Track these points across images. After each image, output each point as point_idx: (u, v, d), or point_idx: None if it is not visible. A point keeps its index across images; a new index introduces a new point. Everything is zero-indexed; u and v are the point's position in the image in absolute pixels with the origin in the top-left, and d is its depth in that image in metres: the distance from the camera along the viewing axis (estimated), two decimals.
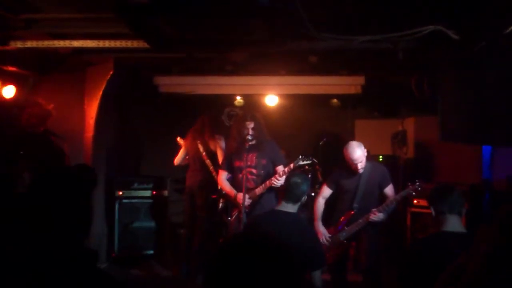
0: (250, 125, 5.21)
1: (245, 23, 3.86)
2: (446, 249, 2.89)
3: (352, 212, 4.99)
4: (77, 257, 1.98)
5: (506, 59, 4.07)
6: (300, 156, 5.10)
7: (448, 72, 4.62)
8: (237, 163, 5.30)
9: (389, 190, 5.07)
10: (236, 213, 5.27)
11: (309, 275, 3.68)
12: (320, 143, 7.42)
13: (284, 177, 4.91)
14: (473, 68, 4.29)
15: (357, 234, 5.00)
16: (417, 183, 4.89)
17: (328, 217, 5.21)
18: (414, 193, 4.98)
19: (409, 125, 6.99)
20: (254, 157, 5.23)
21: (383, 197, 5.07)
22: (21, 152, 5.17)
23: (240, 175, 5.22)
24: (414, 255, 3.09)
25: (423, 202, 6.06)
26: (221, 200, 6.10)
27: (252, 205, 5.17)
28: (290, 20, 3.87)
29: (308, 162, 5.18)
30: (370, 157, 5.23)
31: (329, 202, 5.24)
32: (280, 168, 5.22)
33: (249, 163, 5.18)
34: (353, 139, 7.80)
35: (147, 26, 3.69)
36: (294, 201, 3.80)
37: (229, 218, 5.45)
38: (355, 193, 5.01)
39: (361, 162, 4.91)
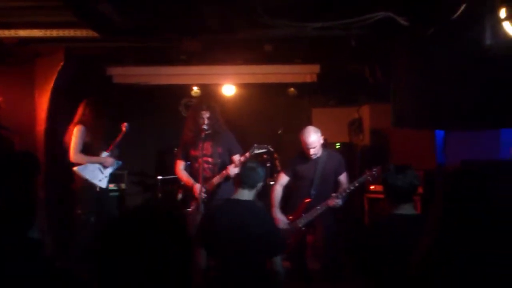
0: (206, 114, 5.18)
1: (197, 10, 3.82)
2: (399, 231, 2.93)
3: (310, 199, 5.01)
4: (20, 246, 1.92)
5: (455, 44, 4.15)
6: (255, 145, 5.13)
7: (400, 59, 4.69)
8: (193, 152, 5.27)
9: (343, 177, 5.14)
10: (195, 204, 5.23)
11: (270, 262, 3.67)
12: (279, 132, 7.44)
13: (236, 167, 4.95)
14: (423, 54, 4.37)
15: (315, 221, 5.03)
16: (374, 170, 4.95)
17: (286, 205, 5.22)
18: (370, 179, 5.04)
19: (365, 112, 7.06)
20: (210, 146, 5.20)
21: (337, 185, 5.12)
22: None
23: (197, 164, 5.21)
24: (370, 239, 3.11)
25: (380, 188, 6.15)
26: (179, 191, 6.06)
27: (210, 195, 5.15)
28: (243, 7, 3.85)
29: (264, 150, 5.20)
30: (327, 145, 5.26)
31: (286, 189, 5.25)
32: (236, 157, 5.22)
33: (204, 152, 5.17)
34: None
35: (94, 14, 3.60)
36: (250, 186, 3.74)
37: (188, 210, 5.42)
38: (312, 180, 5.03)
39: (314, 148, 4.93)
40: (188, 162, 5.45)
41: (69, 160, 5.45)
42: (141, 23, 3.99)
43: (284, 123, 7.57)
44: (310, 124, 7.43)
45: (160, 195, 7.29)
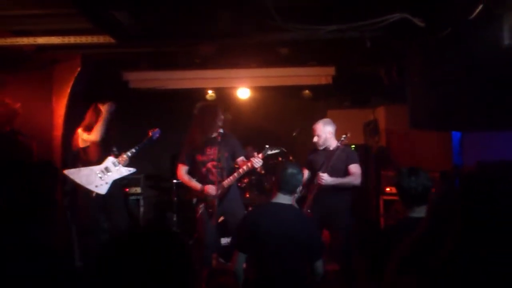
0: (222, 117, 5.30)
1: (211, 15, 3.84)
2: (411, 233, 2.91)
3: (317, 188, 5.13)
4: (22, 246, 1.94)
5: (471, 45, 4.10)
6: (267, 146, 5.21)
7: (415, 60, 4.66)
8: (200, 158, 5.29)
9: (353, 167, 5.20)
10: (203, 207, 5.22)
11: (311, 266, 3.66)
12: (294, 134, 7.44)
13: (260, 159, 5.03)
14: (439, 55, 4.33)
15: (333, 222, 5.12)
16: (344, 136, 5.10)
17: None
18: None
19: (380, 114, 7.04)
20: (217, 151, 5.20)
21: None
22: None
23: (204, 169, 5.24)
24: (383, 242, 3.09)
25: (395, 190, 6.12)
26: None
27: (221, 199, 5.16)
28: (257, 11, 3.85)
29: (277, 151, 5.32)
30: (346, 143, 5.35)
31: None
32: (241, 159, 5.30)
33: (212, 156, 5.21)
34: None
35: (111, 20, 3.63)
36: (290, 191, 3.73)
37: (200, 214, 5.40)
38: (321, 171, 5.14)
39: (317, 135, 5.25)
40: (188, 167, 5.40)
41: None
42: (156, 28, 4.01)
43: (299, 126, 7.56)
44: None
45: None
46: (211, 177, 5.16)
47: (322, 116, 7.87)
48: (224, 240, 6.06)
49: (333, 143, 5.26)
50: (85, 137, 5.41)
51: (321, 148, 5.32)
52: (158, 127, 5.73)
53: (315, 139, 5.29)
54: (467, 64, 4.19)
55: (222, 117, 5.26)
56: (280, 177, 3.74)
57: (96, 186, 5.32)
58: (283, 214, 3.64)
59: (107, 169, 5.38)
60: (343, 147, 5.25)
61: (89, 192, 5.29)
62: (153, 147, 6.73)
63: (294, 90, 7.48)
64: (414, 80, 4.76)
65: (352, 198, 5.27)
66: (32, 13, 4.27)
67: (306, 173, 5.35)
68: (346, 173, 5.19)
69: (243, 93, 7.52)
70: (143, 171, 7.26)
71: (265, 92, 7.58)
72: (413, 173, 3.07)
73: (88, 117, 5.53)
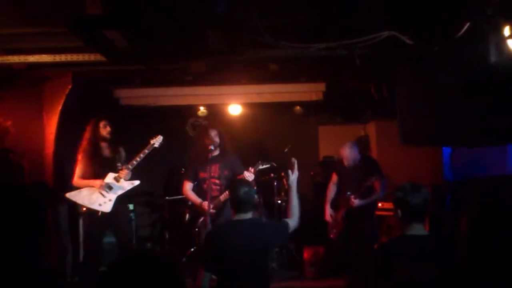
0: (213, 133, 5.40)
1: (201, 33, 3.86)
2: (409, 252, 2.90)
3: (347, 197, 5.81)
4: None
5: (460, 61, 4.16)
6: (259, 161, 5.42)
7: (404, 76, 4.71)
8: (202, 174, 5.44)
9: (377, 183, 5.80)
10: (201, 222, 5.40)
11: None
12: (285, 150, 7.44)
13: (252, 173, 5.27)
14: (428, 71, 4.38)
15: (356, 227, 5.81)
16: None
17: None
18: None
19: (371, 129, 7.09)
20: (218, 168, 5.41)
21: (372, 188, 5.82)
22: None
23: (205, 186, 5.34)
24: (379, 262, 3.06)
25: (387, 205, 6.15)
26: (187, 211, 6.08)
27: (216, 213, 5.29)
28: (247, 29, 3.88)
29: (267, 166, 5.51)
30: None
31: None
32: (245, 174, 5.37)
33: (212, 174, 5.36)
34: (317, 145, 7.96)
35: (102, 39, 3.65)
36: (248, 210, 3.67)
37: (196, 229, 5.50)
38: (349, 183, 5.89)
39: (346, 159, 5.93)
40: (195, 183, 5.54)
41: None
42: (147, 47, 4.04)
43: (291, 141, 7.57)
44: (317, 141, 7.53)
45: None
46: (212, 193, 5.28)
47: (313, 131, 7.95)
48: None
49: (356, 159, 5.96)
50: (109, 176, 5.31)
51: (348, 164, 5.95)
52: (148, 143, 5.68)
53: (346, 161, 5.94)
54: (455, 81, 4.25)
55: (214, 133, 5.31)
56: (235, 199, 3.66)
57: (100, 205, 5.18)
58: (240, 228, 3.62)
59: (108, 186, 5.27)
60: (365, 158, 6.10)
61: (95, 212, 5.18)
62: (144, 162, 6.73)
63: (285, 106, 7.52)
64: (403, 96, 4.81)
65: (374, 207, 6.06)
66: (24, 32, 4.29)
67: (335, 177, 6.16)
68: (366, 180, 5.71)
69: (235, 109, 7.54)
70: (134, 188, 7.20)
71: (256, 108, 7.61)
72: (417, 189, 3.00)
73: (87, 135, 5.44)
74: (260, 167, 5.40)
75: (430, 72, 4.39)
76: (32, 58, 4.78)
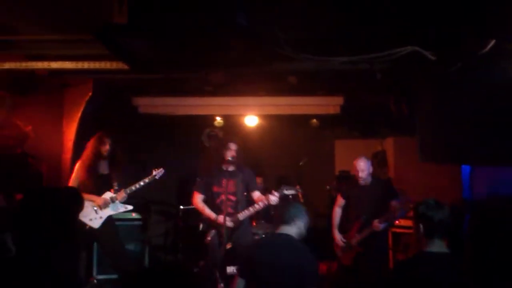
0: (233, 146, 5.27)
1: (224, 44, 3.88)
2: (429, 270, 2.87)
3: (361, 222, 5.58)
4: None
5: (482, 78, 4.13)
6: (284, 186, 5.19)
7: (426, 93, 4.67)
8: (216, 189, 5.32)
9: (394, 202, 5.58)
10: (214, 234, 5.23)
11: None
12: (301, 163, 7.42)
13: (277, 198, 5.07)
14: (450, 88, 4.35)
15: (370, 247, 5.56)
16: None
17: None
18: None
19: (389, 145, 7.04)
20: (234, 185, 5.27)
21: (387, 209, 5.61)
22: None
23: (218, 200, 5.27)
24: (399, 280, 3.02)
25: (404, 222, 6.09)
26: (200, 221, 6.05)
27: (233, 229, 5.19)
28: (268, 41, 3.89)
29: (292, 192, 5.27)
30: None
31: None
32: (256, 194, 5.34)
33: (229, 189, 5.21)
34: (333, 159, 7.92)
35: (126, 48, 3.67)
36: (287, 221, 3.78)
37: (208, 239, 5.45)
38: (363, 205, 5.64)
39: (362, 171, 5.62)
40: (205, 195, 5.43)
41: None
42: (169, 56, 4.06)
43: (307, 155, 7.56)
44: (333, 155, 7.48)
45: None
46: (223, 208, 5.13)
47: (329, 145, 7.91)
48: (230, 269, 6.00)
49: (369, 178, 5.69)
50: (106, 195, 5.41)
51: (363, 183, 5.66)
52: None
53: (360, 174, 5.62)
54: (477, 98, 4.21)
55: (234, 146, 5.25)
56: (278, 211, 3.89)
57: (90, 220, 5.35)
58: (277, 242, 3.75)
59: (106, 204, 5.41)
60: (377, 179, 5.83)
61: (84, 224, 5.28)
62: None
63: (302, 119, 7.50)
64: (424, 113, 4.77)
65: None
66: (48, 38, 4.34)
67: (341, 201, 5.91)
68: (385, 204, 5.55)
69: (251, 120, 7.54)
70: (149, 197, 7.23)
71: (273, 120, 7.61)
72: (440, 206, 3.05)
73: (90, 148, 5.47)
74: (285, 192, 5.16)
75: (452, 89, 4.36)
76: (55, 65, 4.83)
